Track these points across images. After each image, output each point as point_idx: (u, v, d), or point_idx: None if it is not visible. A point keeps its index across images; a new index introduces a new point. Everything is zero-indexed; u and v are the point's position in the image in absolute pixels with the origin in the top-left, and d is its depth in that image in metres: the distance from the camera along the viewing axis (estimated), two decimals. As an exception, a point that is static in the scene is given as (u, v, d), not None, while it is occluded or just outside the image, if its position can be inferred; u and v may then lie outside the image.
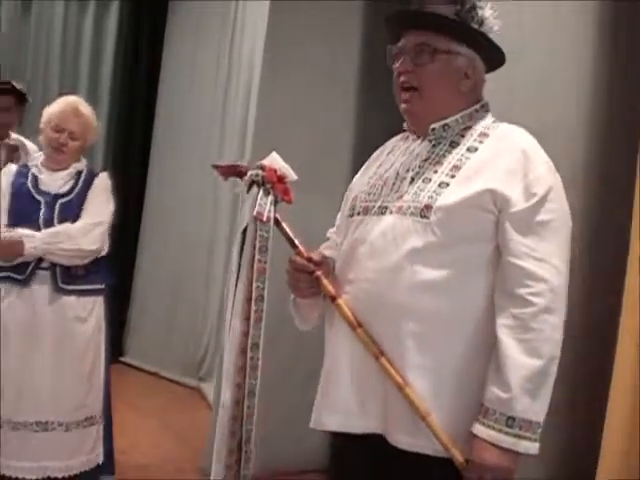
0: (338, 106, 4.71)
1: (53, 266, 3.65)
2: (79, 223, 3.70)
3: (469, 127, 2.08)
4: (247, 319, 2.14)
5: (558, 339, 1.88)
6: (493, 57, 2.12)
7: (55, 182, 3.76)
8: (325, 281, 2.07)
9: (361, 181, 2.22)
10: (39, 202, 3.70)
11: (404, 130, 2.21)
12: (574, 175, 3.09)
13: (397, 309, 1.93)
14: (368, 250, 2.00)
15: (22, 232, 3.59)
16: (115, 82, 7.59)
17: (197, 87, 7.29)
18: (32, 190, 3.72)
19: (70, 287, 3.68)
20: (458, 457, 1.89)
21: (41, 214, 3.67)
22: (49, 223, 3.66)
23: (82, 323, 3.72)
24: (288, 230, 2.16)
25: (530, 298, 1.86)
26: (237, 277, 2.20)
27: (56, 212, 3.69)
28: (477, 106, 2.12)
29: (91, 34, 7.48)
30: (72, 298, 3.69)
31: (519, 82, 3.24)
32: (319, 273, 2.08)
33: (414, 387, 1.91)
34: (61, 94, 4.24)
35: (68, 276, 3.68)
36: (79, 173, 3.82)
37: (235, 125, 6.42)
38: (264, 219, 2.11)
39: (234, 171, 2.25)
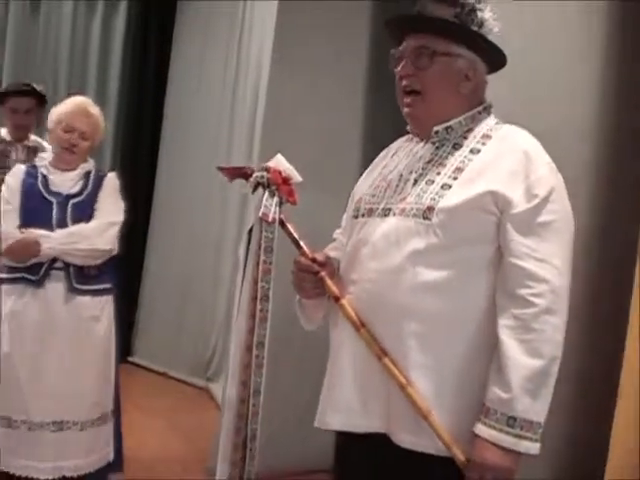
0: (346, 106, 4.72)
1: (67, 266, 3.67)
2: (93, 223, 3.72)
3: (472, 129, 2.09)
4: (252, 317, 2.16)
5: (559, 339, 1.89)
6: (494, 59, 2.13)
7: (65, 182, 3.77)
8: (329, 281, 2.09)
9: (366, 183, 2.23)
10: (50, 202, 3.71)
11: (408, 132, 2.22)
12: (581, 177, 3.09)
13: (399, 310, 1.94)
14: (371, 251, 2.02)
15: (38, 232, 3.61)
16: (123, 82, 7.58)
17: (205, 87, 7.29)
18: (43, 190, 3.74)
19: (84, 287, 3.70)
20: (459, 456, 1.90)
21: (53, 214, 3.69)
22: (62, 223, 3.67)
23: (96, 322, 3.75)
24: (293, 231, 2.18)
25: (531, 299, 1.87)
26: (243, 277, 2.22)
27: (68, 212, 3.70)
28: (480, 108, 2.12)
29: (99, 34, 7.48)
30: (86, 298, 3.71)
31: (525, 84, 3.23)
32: (323, 274, 2.10)
33: (416, 387, 1.93)
34: (69, 94, 4.26)
35: (82, 276, 3.70)
36: (88, 173, 3.84)
37: (243, 125, 6.42)
38: (269, 220, 2.14)
39: (239, 173, 2.27)
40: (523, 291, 1.87)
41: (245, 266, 2.22)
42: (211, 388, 6.53)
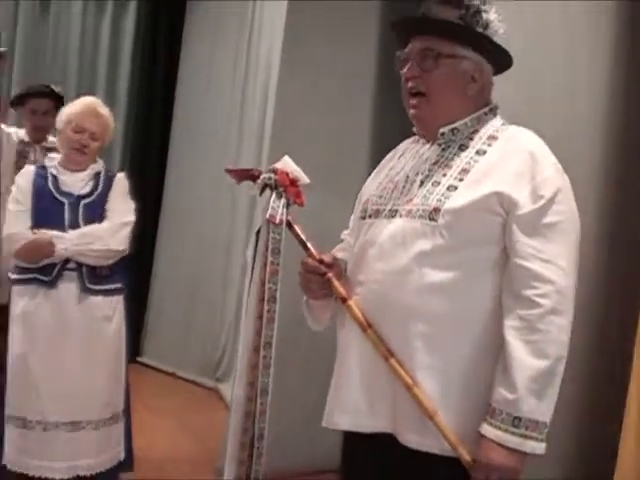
0: (355, 107, 4.72)
1: (79, 266, 3.67)
2: (106, 224, 3.72)
3: (478, 130, 2.09)
4: (260, 318, 2.17)
5: (565, 340, 1.89)
6: (500, 60, 2.13)
7: (76, 183, 3.77)
8: (336, 282, 2.10)
9: (373, 184, 2.24)
10: (62, 203, 3.71)
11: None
12: (589, 178, 3.09)
13: (405, 311, 1.95)
14: (377, 252, 2.03)
15: (51, 233, 3.61)
16: (133, 83, 7.61)
17: (215, 88, 7.29)
18: (54, 191, 3.73)
19: (97, 287, 3.71)
20: (465, 456, 1.91)
21: (66, 215, 3.69)
22: (74, 224, 3.68)
23: (109, 322, 3.76)
24: (300, 232, 2.19)
25: (536, 299, 1.87)
26: (251, 278, 2.22)
27: (80, 213, 3.71)
28: (486, 109, 2.13)
29: (109, 34, 7.51)
30: (99, 298, 3.71)
31: (532, 84, 3.23)
32: (330, 275, 2.11)
33: (422, 387, 1.93)
34: (79, 95, 4.27)
35: (94, 276, 3.70)
36: (98, 174, 3.84)
37: (252, 125, 6.42)
38: (277, 222, 2.15)
39: (247, 175, 2.28)
40: (529, 292, 1.88)
41: (252, 267, 2.22)
42: (220, 388, 6.54)
